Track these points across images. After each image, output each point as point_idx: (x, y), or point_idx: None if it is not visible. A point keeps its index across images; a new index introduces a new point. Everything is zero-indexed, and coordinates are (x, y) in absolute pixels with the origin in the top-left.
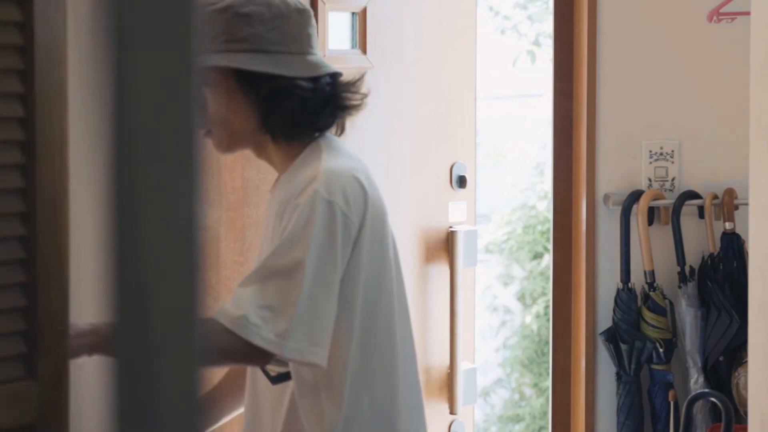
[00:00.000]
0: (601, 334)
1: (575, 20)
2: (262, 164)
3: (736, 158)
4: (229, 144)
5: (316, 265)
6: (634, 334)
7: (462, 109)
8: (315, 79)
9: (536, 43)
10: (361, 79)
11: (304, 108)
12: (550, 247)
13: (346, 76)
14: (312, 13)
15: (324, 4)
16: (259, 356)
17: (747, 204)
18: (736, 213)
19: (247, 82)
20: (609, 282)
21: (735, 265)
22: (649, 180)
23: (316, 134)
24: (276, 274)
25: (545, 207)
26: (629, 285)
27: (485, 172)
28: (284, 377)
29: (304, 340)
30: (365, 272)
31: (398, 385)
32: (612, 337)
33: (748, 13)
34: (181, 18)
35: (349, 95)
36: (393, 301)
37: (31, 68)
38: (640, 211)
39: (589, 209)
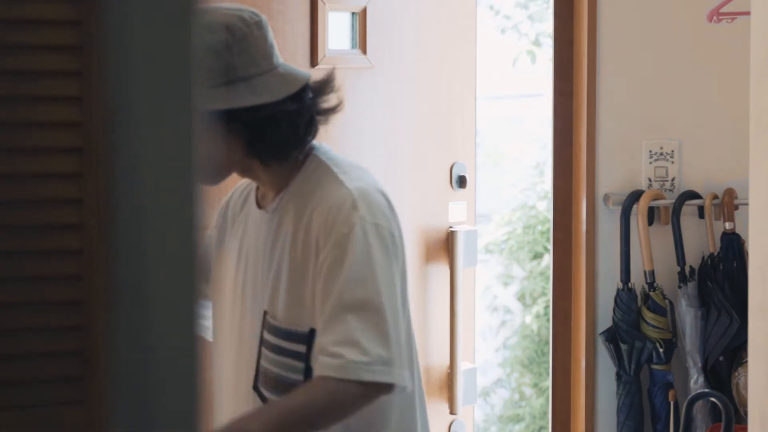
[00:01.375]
0: (601, 334)
1: (575, 20)
2: None
3: (736, 158)
4: (216, 176)
5: (387, 291)
6: (634, 334)
7: (462, 109)
8: (297, 94)
9: (536, 42)
10: (332, 76)
11: (294, 128)
12: (550, 247)
13: (316, 76)
14: (266, 19)
15: (324, 4)
16: (374, 391)
17: (747, 204)
18: (736, 213)
19: (227, 114)
20: (609, 282)
21: (735, 265)
22: (649, 180)
23: (306, 147)
24: (355, 309)
25: (545, 207)
26: (629, 285)
27: (485, 172)
28: None
29: (402, 365)
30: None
31: (416, 397)
32: (612, 337)
33: (748, 13)
34: (181, 22)
35: (326, 98)
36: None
37: (87, 70)
38: (640, 211)
39: (589, 209)
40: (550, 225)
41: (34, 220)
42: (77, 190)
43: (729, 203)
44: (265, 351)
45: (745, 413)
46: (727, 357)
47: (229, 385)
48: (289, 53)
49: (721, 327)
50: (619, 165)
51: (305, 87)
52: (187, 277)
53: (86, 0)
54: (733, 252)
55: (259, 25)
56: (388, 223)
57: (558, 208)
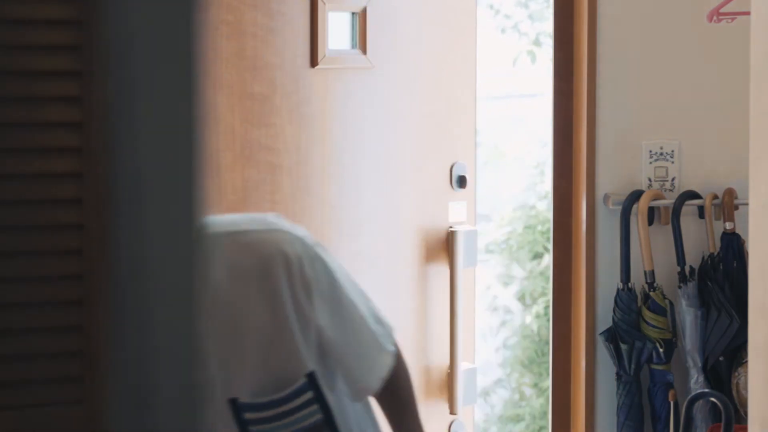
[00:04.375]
0: (601, 334)
1: (575, 20)
2: (262, 164)
3: (736, 158)
4: None
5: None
6: (634, 334)
7: (462, 109)
8: None
9: (537, 42)
10: None
11: None
12: (550, 247)
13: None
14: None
15: (324, 4)
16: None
17: (747, 204)
18: (736, 213)
19: None
20: (609, 282)
21: (735, 265)
22: (649, 180)
23: None
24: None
25: (545, 207)
26: (629, 285)
27: (485, 172)
28: None
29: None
30: None
31: None
32: (612, 337)
33: (748, 13)
34: (183, 21)
35: None
36: None
37: (87, 70)
38: (640, 211)
39: (589, 209)
40: (550, 225)
41: (34, 220)
42: (77, 190)
43: (729, 203)
44: (256, 428)
45: (745, 413)
46: (727, 357)
47: None
48: (289, 53)
49: (721, 327)
50: (619, 165)
51: None
52: (187, 276)
53: (86, 0)
54: (733, 252)
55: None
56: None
57: (558, 208)
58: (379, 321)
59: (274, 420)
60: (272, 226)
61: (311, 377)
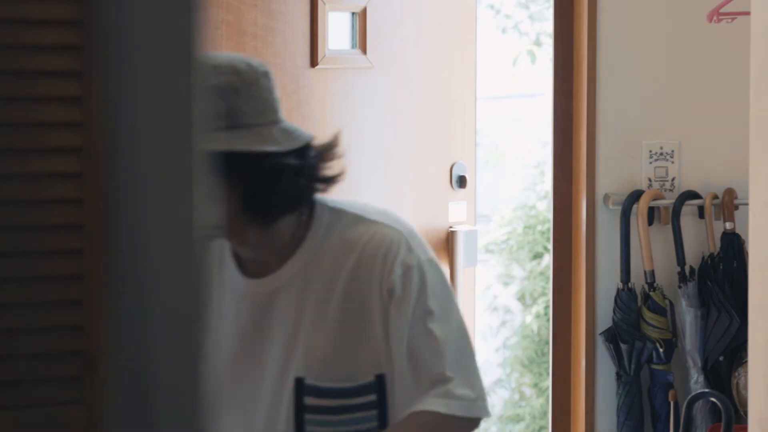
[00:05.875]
0: (601, 334)
1: (575, 20)
2: None
3: (736, 158)
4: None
5: (459, 318)
6: (634, 334)
7: (462, 109)
8: (300, 150)
9: (537, 42)
10: (336, 141)
11: (294, 185)
12: (550, 247)
13: (319, 139)
14: (272, 72)
15: (324, 4)
16: (472, 426)
17: (747, 204)
18: (736, 213)
19: (226, 163)
20: (609, 282)
21: (735, 265)
22: (649, 180)
23: (302, 209)
24: (452, 342)
25: (545, 207)
26: (629, 285)
27: (485, 172)
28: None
29: (485, 394)
30: None
31: None
32: (612, 337)
33: (748, 13)
34: (182, 20)
35: (328, 164)
36: None
37: (87, 70)
38: (640, 211)
39: (589, 209)
40: (550, 225)
41: (34, 220)
42: (77, 190)
43: (729, 203)
44: (312, 416)
45: (745, 413)
46: (727, 357)
47: None
48: (289, 53)
49: (721, 327)
50: (619, 165)
51: (308, 146)
52: (187, 276)
53: (86, 0)
54: (733, 252)
55: (266, 75)
56: (433, 254)
57: (558, 208)
58: (479, 375)
59: (331, 412)
60: (394, 225)
61: (380, 379)
